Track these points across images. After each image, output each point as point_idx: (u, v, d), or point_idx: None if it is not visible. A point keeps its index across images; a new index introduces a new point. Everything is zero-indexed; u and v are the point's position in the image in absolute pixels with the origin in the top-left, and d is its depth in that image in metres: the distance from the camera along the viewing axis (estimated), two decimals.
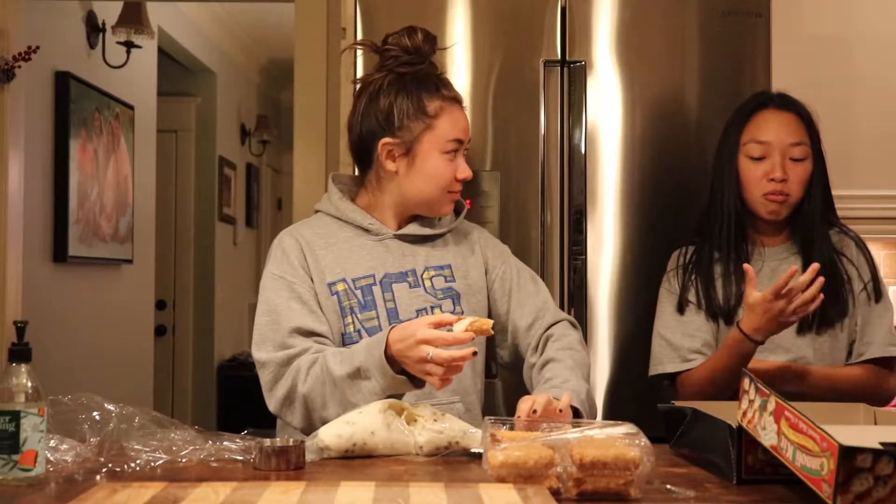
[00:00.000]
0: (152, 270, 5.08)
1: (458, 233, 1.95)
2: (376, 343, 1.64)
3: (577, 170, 2.40)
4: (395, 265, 1.83)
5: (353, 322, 1.79)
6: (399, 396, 1.67)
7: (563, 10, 2.42)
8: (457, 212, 1.97)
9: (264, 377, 1.76)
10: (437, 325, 1.57)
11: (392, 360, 1.61)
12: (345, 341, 1.79)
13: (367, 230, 1.86)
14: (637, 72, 2.43)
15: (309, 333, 1.75)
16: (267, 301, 1.80)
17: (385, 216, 1.88)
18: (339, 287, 1.80)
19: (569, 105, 2.40)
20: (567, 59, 2.42)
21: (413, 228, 1.88)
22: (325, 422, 1.64)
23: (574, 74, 2.40)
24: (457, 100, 1.87)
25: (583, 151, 2.39)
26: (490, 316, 1.90)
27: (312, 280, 1.80)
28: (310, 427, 1.70)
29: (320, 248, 1.83)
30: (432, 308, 1.82)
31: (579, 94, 2.39)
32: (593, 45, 2.43)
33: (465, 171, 1.86)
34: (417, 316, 1.79)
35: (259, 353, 1.76)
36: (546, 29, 2.43)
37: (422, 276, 1.84)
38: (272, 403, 1.75)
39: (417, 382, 1.64)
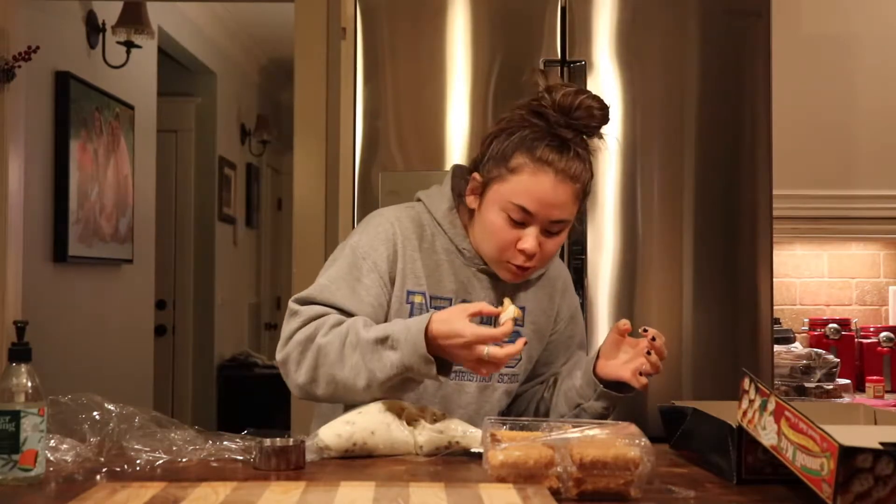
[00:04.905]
0: (152, 270, 5.08)
1: (545, 273, 1.85)
2: (416, 321, 1.57)
3: None
4: (475, 296, 1.75)
5: None
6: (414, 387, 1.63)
7: (563, 10, 2.42)
8: None
9: (290, 325, 1.67)
10: (476, 314, 1.53)
11: (428, 344, 1.55)
12: None
13: (460, 252, 1.76)
14: (637, 72, 2.43)
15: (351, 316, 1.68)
16: (338, 269, 1.71)
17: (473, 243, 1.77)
18: (417, 299, 1.72)
19: None
20: (567, 59, 2.42)
21: None
22: (330, 379, 1.60)
23: (574, 74, 2.40)
24: (555, 169, 1.63)
25: None
26: (538, 357, 1.86)
27: (394, 279, 1.71)
28: (310, 383, 1.62)
29: (415, 251, 1.73)
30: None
31: None
32: (593, 45, 2.43)
33: (526, 242, 1.65)
34: None
35: (296, 305, 1.69)
36: (546, 29, 2.43)
37: None
38: (282, 352, 1.65)
39: (444, 371, 1.58)
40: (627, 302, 2.39)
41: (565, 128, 1.65)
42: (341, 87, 2.85)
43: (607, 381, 1.73)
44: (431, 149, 2.43)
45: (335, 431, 1.55)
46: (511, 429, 1.44)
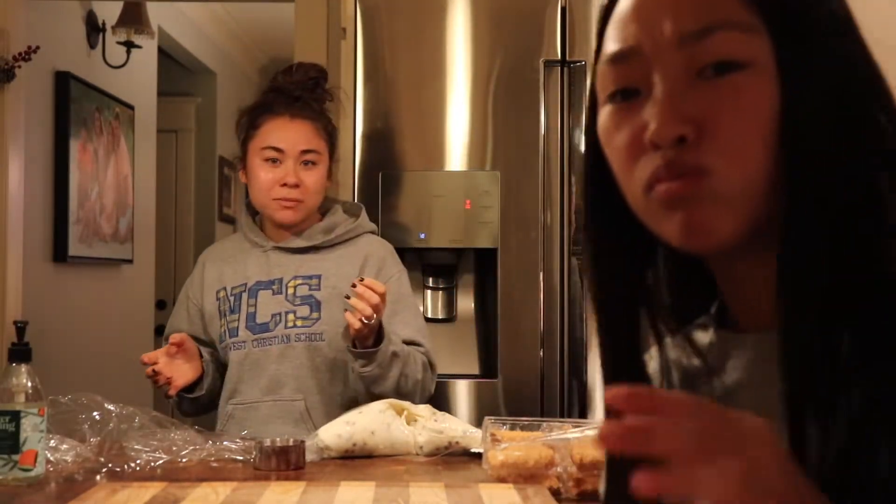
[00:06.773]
0: (152, 270, 5.08)
1: (353, 245, 2.03)
2: None
3: (577, 170, 2.39)
4: (266, 274, 2.00)
5: (224, 324, 2.01)
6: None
7: (563, 10, 2.42)
8: (355, 217, 2.07)
9: None
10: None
11: None
12: (220, 340, 2.02)
13: (255, 243, 2.04)
14: None
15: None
16: (177, 304, 2.15)
17: (270, 228, 2.05)
18: (221, 294, 2.04)
19: (569, 105, 2.40)
20: (567, 59, 2.42)
21: (289, 241, 2.02)
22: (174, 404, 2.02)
23: (574, 74, 2.40)
24: (289, 113, 1.98)
25: (583, 151, 2.39)
26: None
27: (203, 292, 2.06)
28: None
29: (217, 262, 2.09)
30: (286, 313, 1.96)
31: (579, 94, 2.39)
32: (593, 44, 2.42)
33: (287, 177, 1.95)
34: (272, 319, 1.96)
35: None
36: (546, 29, 2.43)
37: (287, 283, 1.98)
38: None
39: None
40: None
41: (296, 90, 2.01)
42: (341, 88, 2.85)
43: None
44: (431, 149, 2.43)
45: (335, 431, 1.56)
46: (511, 429, 1.44)
